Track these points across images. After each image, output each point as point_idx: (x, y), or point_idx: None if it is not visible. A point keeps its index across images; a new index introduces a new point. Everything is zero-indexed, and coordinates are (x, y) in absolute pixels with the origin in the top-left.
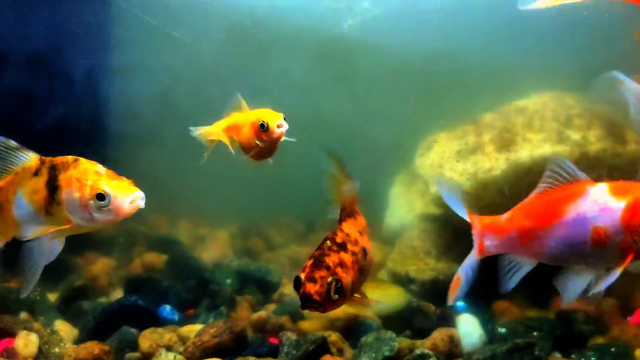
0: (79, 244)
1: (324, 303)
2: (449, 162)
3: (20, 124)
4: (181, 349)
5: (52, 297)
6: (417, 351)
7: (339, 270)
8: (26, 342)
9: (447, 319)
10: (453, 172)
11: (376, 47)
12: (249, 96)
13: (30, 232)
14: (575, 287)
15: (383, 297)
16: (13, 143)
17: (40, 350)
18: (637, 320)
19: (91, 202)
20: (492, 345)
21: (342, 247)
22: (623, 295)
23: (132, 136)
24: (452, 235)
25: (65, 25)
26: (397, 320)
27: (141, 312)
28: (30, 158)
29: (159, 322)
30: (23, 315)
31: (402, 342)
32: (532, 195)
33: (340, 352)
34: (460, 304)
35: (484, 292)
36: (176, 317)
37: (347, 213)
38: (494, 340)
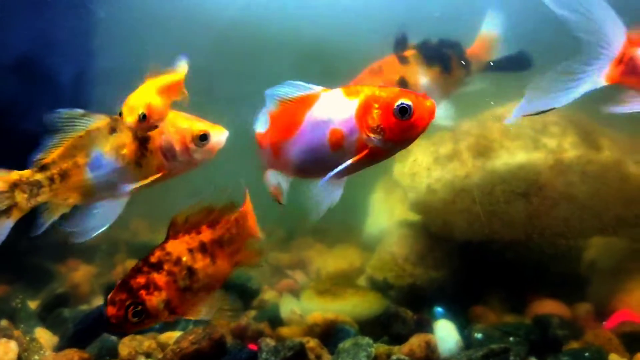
0: (61, 251)
1: (122, 326)
2: (427, 170)
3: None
4: (160, 355)
5: (33, 304)
6: (394, 357)
7: (142, 292)
8: (6, 349)
9: (424, 324)
10: (430, 179)
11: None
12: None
13: (125, 187)
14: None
15: (361, 303)
16: (79, 111)
17: (19, 357)
18: (612, 325)
19: (191, 144)
20: (468, 351)
21: (156, 267)
22: (599, 300)
23: None
24: (429, 242)
25: (48, 32)
26: (375, 326)
27: None
28: (96, 120)
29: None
30: (3, 322)
31: (379, 347)
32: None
33: (318, 358)
34: (438, 309)
35: (462, 297)
36: (156, 325)
37: (178, 229)
38: (471, 346)
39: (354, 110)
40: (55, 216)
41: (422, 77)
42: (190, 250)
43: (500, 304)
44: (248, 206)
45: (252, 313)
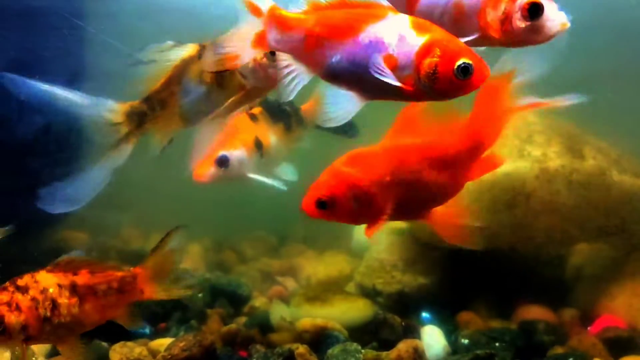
0: (52, 258)
1: None
2: None
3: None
4: None
5: None
6: None
7: (3, 308)
8: None
9: (412, 330)
10: None
11: None
12: None
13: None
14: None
15: (350, 309)
16: (169, 43)
17: None
18: (596, 330)
19: (264, 59)
20: (454, 356)
21: (22, 289)
22: (584, 305)
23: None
24: (418, 249)
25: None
26: (364, 332)
27: (112, 326)
28: (188, 48)
29: (130, 335)
30: None
31: (367, 353)
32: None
33: None
34: (425, 315)
35: (449, 303)
36: (147, 330)
37: (58, 265)
38: (457, 351)
39: (417, 46)
40: (165, 142)
41: (271, 136)
42: (60, 286)
43: (487, 309)
44: (146, 268)
45: (243, 319)
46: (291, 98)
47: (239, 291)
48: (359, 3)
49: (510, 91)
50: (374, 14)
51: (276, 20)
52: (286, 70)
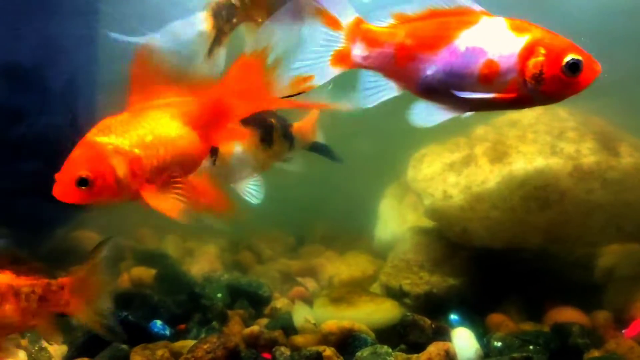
0: (64, 257)
1: None
2: (442, 175)
3: (9, 138)
4: None
5: None
6: None
7: None
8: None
9: (442, 332)
10: (446, 184)
11: None
12: None
13: None
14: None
15: (377, 311)
16: None
17: None
18: (632, 334)
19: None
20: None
21: None
22: (616, 308)
23: None
24: (445, 249)
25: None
26: (391, 335)
27: (132, 327)
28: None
29: (150, 337)
30: None
31: (397, 356)
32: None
33: None
34: (454, 317)
35: (479, 305)
36: (167, 332)
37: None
38: (490, 354)
39: (518, 48)
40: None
41: (236, 145)
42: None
43: (517, 311)
44: (74, 280)
45: (264, 321)
46: (370, 106)
47: (260, 292)
48: (448, 10)
49: (265, 68)
50: (467, 20)
51: (363, 34)
52: (373, 84)
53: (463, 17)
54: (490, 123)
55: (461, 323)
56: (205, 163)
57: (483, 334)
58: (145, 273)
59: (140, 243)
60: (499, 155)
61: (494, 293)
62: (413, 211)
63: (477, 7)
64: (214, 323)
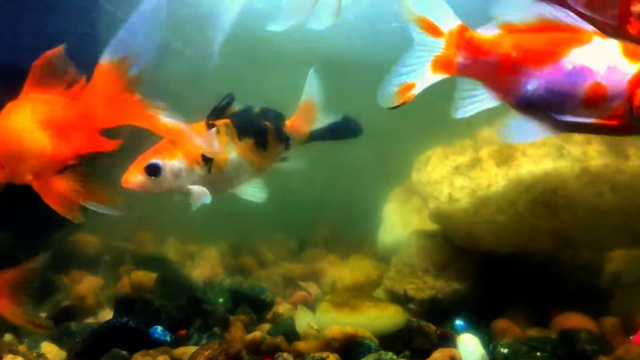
0: (64, 262)
1: None
2: (448, 178)
3: None
4: None
5: None
6: None
7: None
8: None
9: (447, 339)
10: (452, 188)
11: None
12: None
13: None
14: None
15: (381, 316)
16: None
17: None
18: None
19: None
20: None
21: None
22: (623, 314)
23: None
24: (450, 253)
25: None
26: (395, 341)
27: (132, 333)
28: None
29: (151, 343)
30: (7, 337)
31: None
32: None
33: None
34: (459, 323)
35: (485, 310)
36: (168, 338)
37: None
38: None
39: (630, 74)
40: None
41: (230, 151)
42: None
43: (523, 317)
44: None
45: (267, 326)
46: (465, 117)
47: (262, 297)
48: (560, 25)
49: (124, 81)
50: (578, 38)
51: (467, 42)
52: (471, 94)
53: (573, 35)
54: (495, 124)
55: (466, 329)
56: (200, 171)
57: (489, 340)
58: (145, 277)
59: (140, 246)
60: (505, 158)
61: (499, 298)
62: (417, 215)
63: (589, 27)
64: (216, 329)
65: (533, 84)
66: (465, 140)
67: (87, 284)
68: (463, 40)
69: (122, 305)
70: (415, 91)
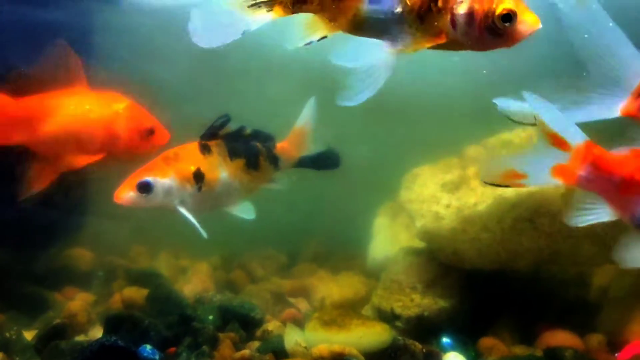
0: (58, 277)
1: None
2: (434, 197)
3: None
4: None
5: (29, 335)
6: None
7: None
8: None
9: (433, 357)
10: (438, 206)
11: None
12: None
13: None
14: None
15: (368, 334)
16: None
17: None
18: (626, 357)
19: (491, 19)
20: None
21: None
22: (610, 330)
23: None
24: (437, 270)
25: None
26: (382, 359)
27: (121, 352)
28: None
29: None
30: None
31: None
32: None
33: None
34: (446, 341)
35: (471, 328)
36: (157, 357)
37: None
38: None
39: None
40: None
41: (221, 171)
42: None
43: (509, 334)
44: None
45: (256, 344)
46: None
47: (252, 314)
48: None
49: None
50: None
51: (594, 158)
52: (588, 206)
53: None
54: (482, 143)
55: (453, 347)
56: (191, 190)
57: (475, 358)
58: (137, 293)
59: (133, 261)
60: None
61: (485, 315)
62: (406, 231)
63: None
64: (205, 347)
65: None
66: (452, 158)
67: (79, 301)
68: (591, 156)
69: (112, 323)
70: (526, 183)
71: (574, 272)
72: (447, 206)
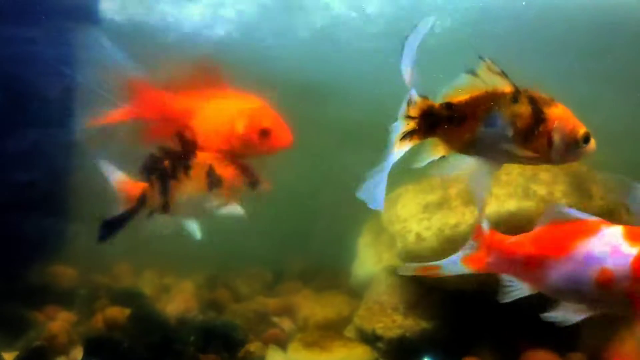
0: (40, 296)
1: None
2: (416, 217)
3: None
4: None
5: (9, 357)
6: None
7: None
8: None
9: None
10: (419, 227)
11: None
12: None
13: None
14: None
15: (349, 356)
16: (497, 69)
17: None
18: None
19: (576, 140)
20: None
21: None
22: (591, 349)
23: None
24: (419, 290)
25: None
26: None
27: None
28: (506, 84)
29: None
30: None
31: None
32: (540, 226)
33: None
34: None
35: (452, 349)
36: None
37: None
38: None
39: (632, 257)
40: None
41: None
42: None
43: (491, 354)
44: None
45: None
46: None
47: (234, 334)
48: (573, 222)
49: None
50: (585, 229)
51: (497, 245)
52: (510, 286)
53: (583, 227)
54: None
55: None
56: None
57: None
58: (119, 314)
59: (116, 280)
60: (472, 197)
61: (467, 335)
62: (389, 250)
63: (596, 218)
64: None
65: (555, 275)
66: (434, 178)
67: (60, 321)
68: (494, 243)
69: (92, 345)
70: (440, 273)
71: None
72: (428, 227)
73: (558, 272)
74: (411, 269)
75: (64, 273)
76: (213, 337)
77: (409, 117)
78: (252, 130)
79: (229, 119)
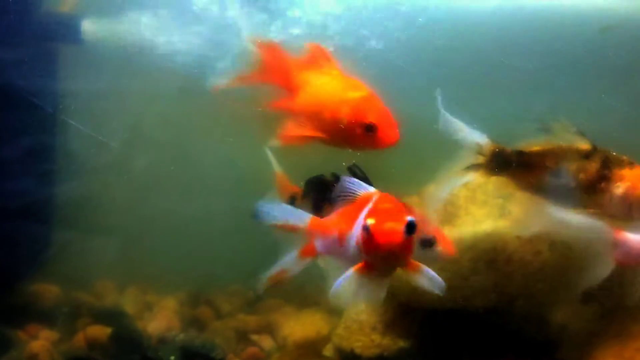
0: (22, 314)
1: None
2: None
3: None
4: None
5: None
6: None
7: None
8: None
9: None
10: None
11: None
12: None
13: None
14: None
15: None
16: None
17: None
18: None
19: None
20: None
21: None
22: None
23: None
24: (397, 309)
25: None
26: None
27: None
28: (584, 142)
29: None
30: None
31: None
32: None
33: None
34: None
35: None
36: None
37: None
38: None
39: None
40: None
41: None
42: None
43: None
44: None
45: None
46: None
47: (213, 354)
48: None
49: None
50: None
51: (320, 228)
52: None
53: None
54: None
55: None
56: None
57: None
58: (100, 332)
59: (99, 297)
60: (449, 217)
61: (445, 354)
62: None
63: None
64: None
65: (350, 246)
66: (412, 197)
67: (41, 340)
68: (318, 228)
69: None
70: (290, 275)
71: (533, 312)
72: None
73: (352, 241)
74: (262, 283)
75: (47, 291)
76: (192, 357)
77: (479, 153)
78: (356, 124)
79: (334, 106)
